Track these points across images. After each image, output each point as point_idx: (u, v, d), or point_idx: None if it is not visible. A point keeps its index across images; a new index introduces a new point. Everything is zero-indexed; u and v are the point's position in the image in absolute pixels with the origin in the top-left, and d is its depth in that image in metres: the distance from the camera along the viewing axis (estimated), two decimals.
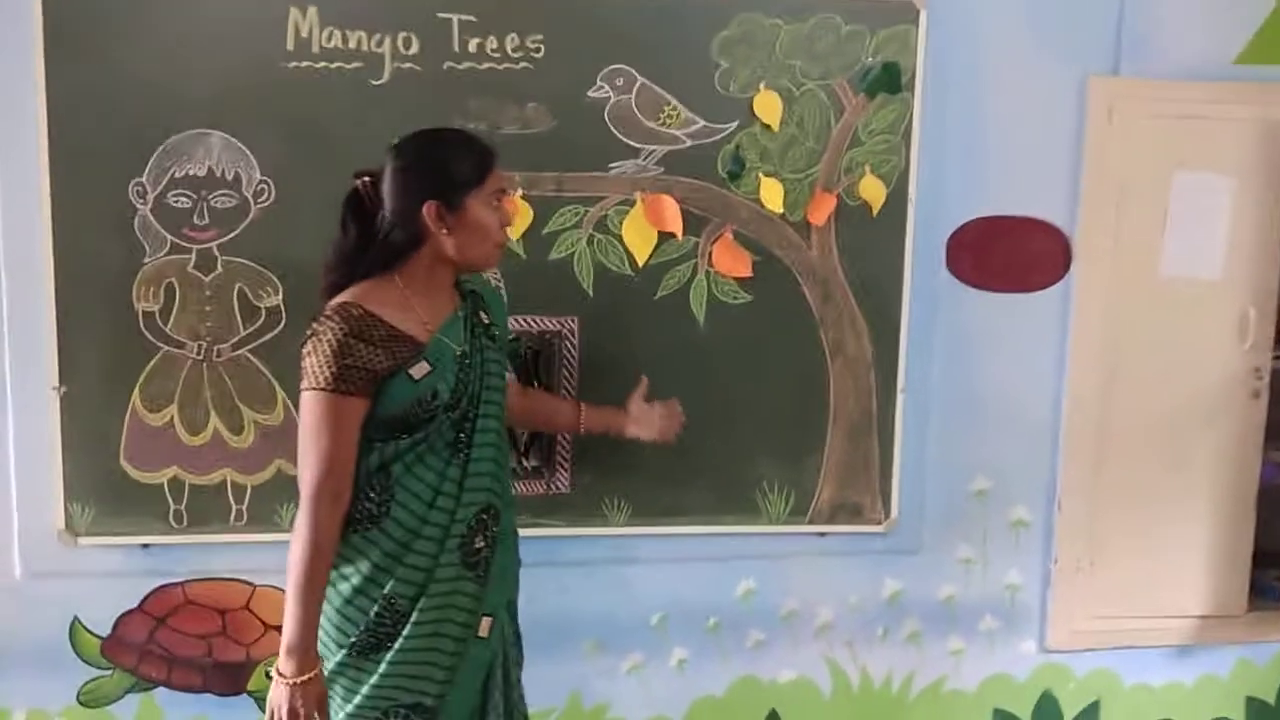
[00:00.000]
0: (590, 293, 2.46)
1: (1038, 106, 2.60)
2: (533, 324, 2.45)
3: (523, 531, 2.10)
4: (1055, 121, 2.61)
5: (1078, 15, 2.58)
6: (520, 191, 2.39)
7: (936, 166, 2.56)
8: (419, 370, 1.76)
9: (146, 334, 2.34)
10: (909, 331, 2.59)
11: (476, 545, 1.85)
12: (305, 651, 1.76)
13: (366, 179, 1.82)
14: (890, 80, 2.50)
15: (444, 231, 1.78)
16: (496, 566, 1.91)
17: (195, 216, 2.32)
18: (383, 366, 1.73)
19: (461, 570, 1.84)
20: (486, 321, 1.93)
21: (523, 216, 2.39)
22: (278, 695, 1.76)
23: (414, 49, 2.33)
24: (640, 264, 2.47)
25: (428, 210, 1.77)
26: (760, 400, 2.56)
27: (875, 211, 2.53)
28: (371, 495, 1.79)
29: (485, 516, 1.86)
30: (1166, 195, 2.64)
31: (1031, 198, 2.63)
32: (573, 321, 2.46)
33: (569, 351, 2.47)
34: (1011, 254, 2.63)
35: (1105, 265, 2.65)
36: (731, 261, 2.50)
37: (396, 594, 1.80)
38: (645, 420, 2.25)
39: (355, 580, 1.80)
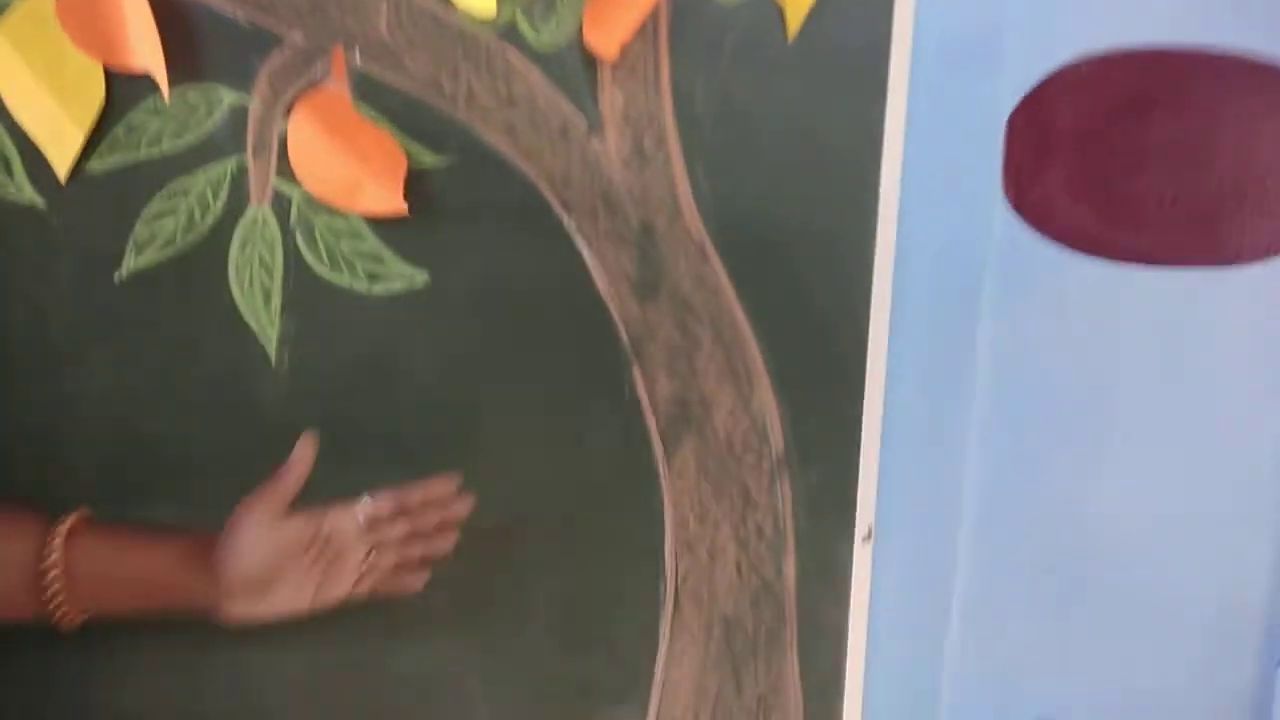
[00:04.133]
0: None
1: None
2: None
3: None
4: None
5: None
6: None
7: None
8: None
9: None
10: (890, 372, 0.98)
11: None
12: None
13: None
14: None
15: None
16: None
17: None
18: None
19: None
20: None
21: None
22: None
23: None
24: (63, 173, 0.85)
25: None
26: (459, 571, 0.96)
27: (792, 29, 0.89)
28: None
29: None
30: None
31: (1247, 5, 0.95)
32: None
33: None
34: (1190, 156, 0.98)
35: None
36: (347, 168, 0.87)
37: None
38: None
39: None
